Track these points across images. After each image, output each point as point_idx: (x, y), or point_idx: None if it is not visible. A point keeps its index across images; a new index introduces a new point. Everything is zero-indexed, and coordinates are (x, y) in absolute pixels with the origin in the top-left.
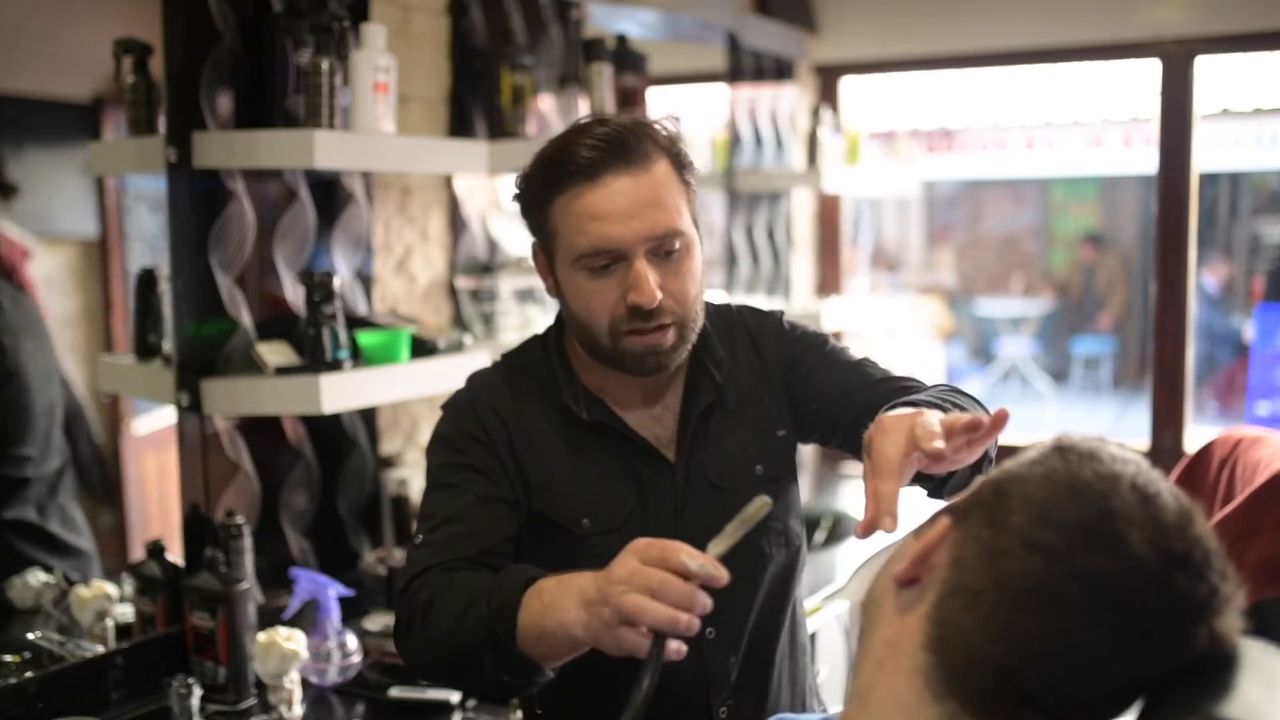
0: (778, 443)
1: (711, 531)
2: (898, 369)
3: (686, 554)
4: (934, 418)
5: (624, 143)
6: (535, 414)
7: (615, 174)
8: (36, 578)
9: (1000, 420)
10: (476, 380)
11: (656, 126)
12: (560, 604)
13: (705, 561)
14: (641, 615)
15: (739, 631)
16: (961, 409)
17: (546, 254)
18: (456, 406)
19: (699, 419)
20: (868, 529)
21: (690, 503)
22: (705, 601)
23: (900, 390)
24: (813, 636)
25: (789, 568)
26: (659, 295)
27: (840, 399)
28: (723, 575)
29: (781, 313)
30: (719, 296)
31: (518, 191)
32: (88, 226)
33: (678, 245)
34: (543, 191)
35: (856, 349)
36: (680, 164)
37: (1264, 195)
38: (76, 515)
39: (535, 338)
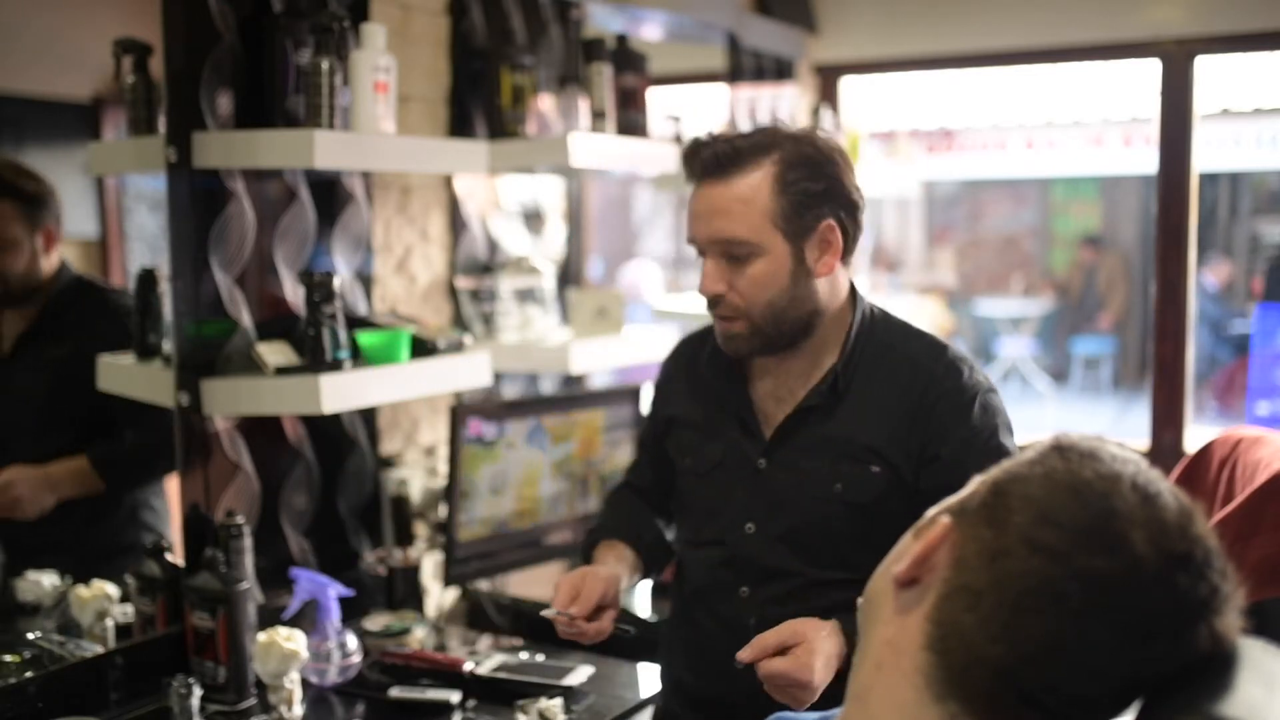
0: (868, 475)
1: (771, 510)
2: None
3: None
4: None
5: (729, 155)
6: (691, 362)
7: (710, 181)
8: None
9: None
10: (688, 334)
11: (781, 146)
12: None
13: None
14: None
15: (767, 604)
16: None
17: None
18: (666, 358)
19: (802, 414)
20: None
21: (768, 482)
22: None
23: None
24: None
25: (854, 587)
26: (710, 290)
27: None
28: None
29: (973, 389)
30: (935, 330)
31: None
32: (88, 226)
33: (743, 252)
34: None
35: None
36: (785, 181)
37: (1264, 195)
38: None
39: None
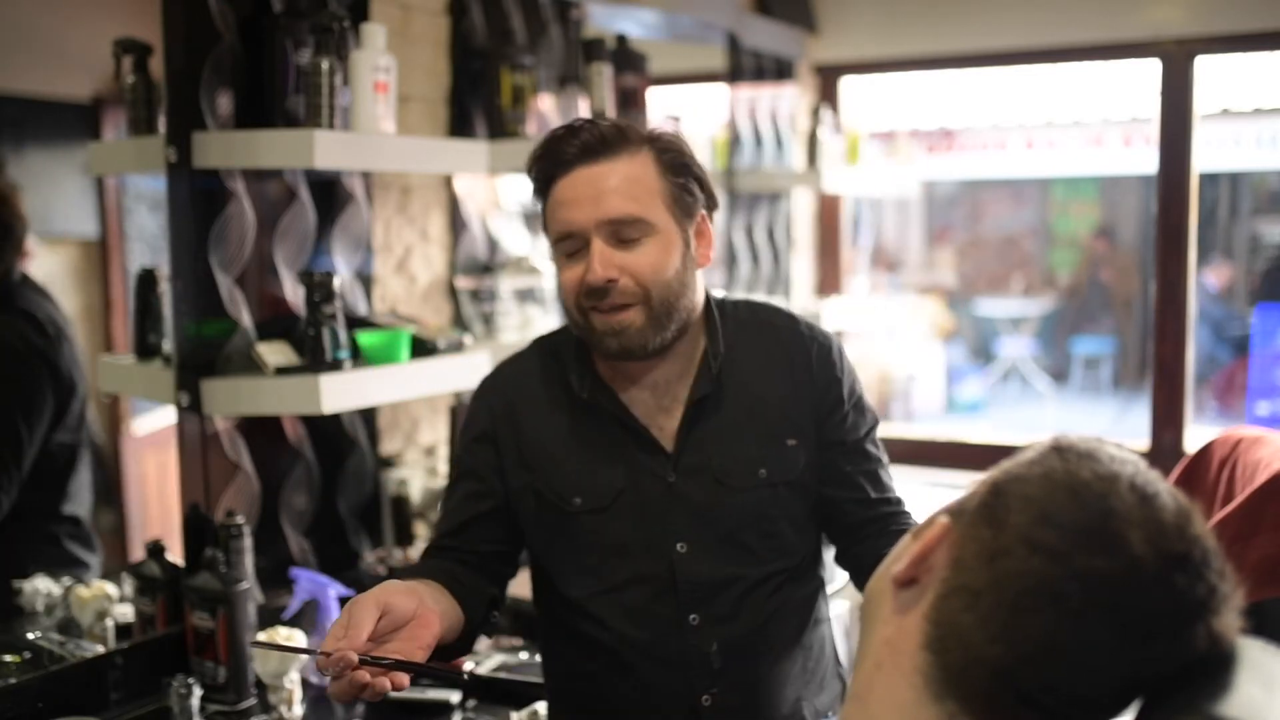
0: (786, 451)
1: (699, 520)
2: (892, 487)
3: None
4: None
5: (603, 138)
6: (547, 395)
7: (584, 165)
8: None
9: None
10: (504, 363)
11: (650, 133)
12: None
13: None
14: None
15: (721, 623)
16: None
17: (549, 243)
18: (477, 394)
19: (695, 410)
20: None
21: (686, 493)
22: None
23: (882, 521)
24: None
25: (795, 576)
26: (608, 274)
27: (843, 488)
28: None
29: (834, 339)
30: (749, 295)
31: (533, 188)
32: (88, 226)
33: (637, 233)
34: (540, 188)
35: (877, 434)
36: (667, 164)
37: (1264, 195)
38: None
39: (568, 325)
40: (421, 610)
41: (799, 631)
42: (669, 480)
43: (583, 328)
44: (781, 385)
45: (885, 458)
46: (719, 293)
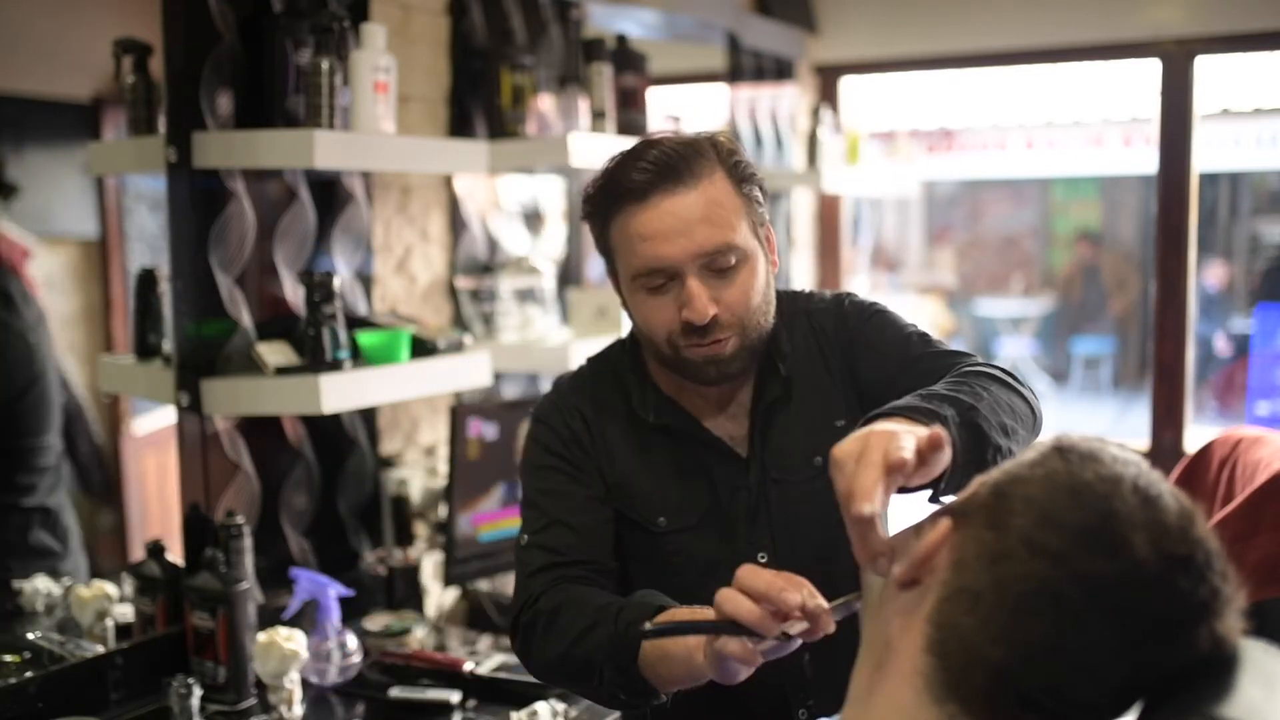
0: (836, 434)
1: (777, 525)
2: (940, 338)
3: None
4: (907, 439)
5: (673, 163)
6: (613, 416)
7: (664, 194)
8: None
9: (935, 441)
10: (561, 384)
11: (712, 142)
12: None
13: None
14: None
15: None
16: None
17: (611, 271)
18: (546, 411)
19: (764, 414)
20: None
21: (765, 495)
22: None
23: (942, 366)
24: None
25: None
26: (711, 311)
27: (894, 367)
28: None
29: (843, 295)
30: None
31: (584, 210)
32: (88, 226)
33: (733, 260)
34: (602, 213)
35: (905, 316)
36: (739, 177)
37: (1264, 195)
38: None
39: (618, 341)
40: None
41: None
42: (748, 488)
43: (672, 358)
44: (822, 368)
45: (929, 332)
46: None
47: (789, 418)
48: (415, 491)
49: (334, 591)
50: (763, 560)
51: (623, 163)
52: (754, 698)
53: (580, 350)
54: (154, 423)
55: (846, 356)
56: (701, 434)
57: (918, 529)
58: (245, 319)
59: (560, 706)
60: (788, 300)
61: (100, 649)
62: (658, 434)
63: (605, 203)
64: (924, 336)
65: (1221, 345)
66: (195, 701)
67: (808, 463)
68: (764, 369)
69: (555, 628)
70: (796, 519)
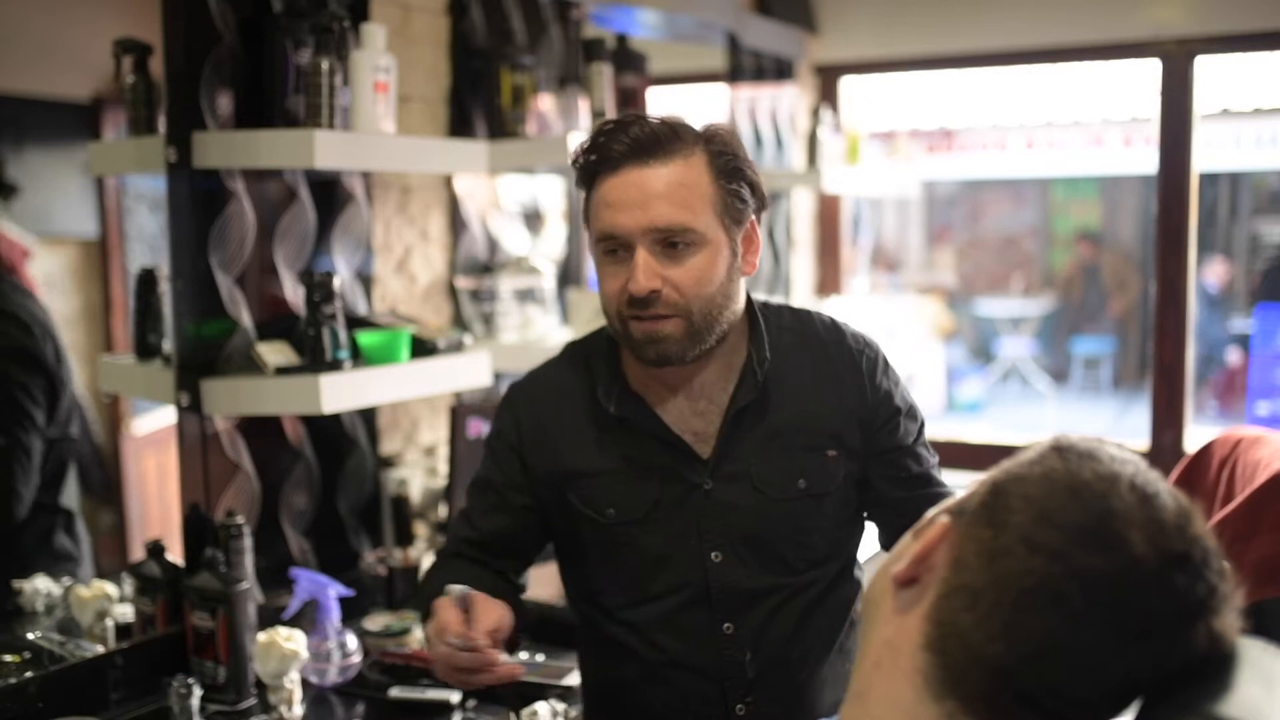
0: (826, 462)
1: (734, 529)
2: (938, 474)
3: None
4: None
5: (650, 140)
6: (576, 406)
7: (634, 166)
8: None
9: None
10: (534, 372)
11: (706, 132)
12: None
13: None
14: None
15: (755, 632)
16: None
17: (589, 237)
18: (504, 405)
19: (737, 417)
20: None
21: (722, 501)
22: (471, 660)
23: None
24: None
25: (830, 584)
26: (652, 285)
27: (900, 488)
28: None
29: (879, 348)
30: (812, 304)
31: (576, 179)
32: (88, 226)
33: (686, 241)
34: (584, 181)
35: (923, 433)
36: (721, 169)
37: (1264, 195)
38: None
39: (601, 329)
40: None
41: (835, 636)
42: (705, 487)
43: (621, 333)
44: (829, 398)
45: (935, 458)
46: (759, 296)
47: (777, 432)
48: (415, 491)
49: (334, 591)
50: (716, 559)
51: (611, 133)
52: (692, 695)
53: None
54: (154, 423)
55: (871, 415)
56: (660, 430)
57: (916, 530)
58: (245, 319)
59: (560, 706)
60: (804, 319)
61: (100, 649)
62: (618, 425)
63: (586, 169)
64: (929, 475)
65: (1234, 358)
66: (195, 701)
67: (792, 483)
68: (745, 372)
69: (423, 583)
70: (759, 529)
